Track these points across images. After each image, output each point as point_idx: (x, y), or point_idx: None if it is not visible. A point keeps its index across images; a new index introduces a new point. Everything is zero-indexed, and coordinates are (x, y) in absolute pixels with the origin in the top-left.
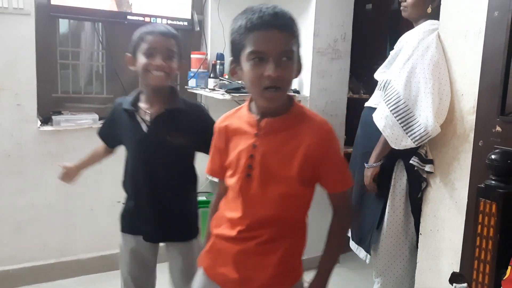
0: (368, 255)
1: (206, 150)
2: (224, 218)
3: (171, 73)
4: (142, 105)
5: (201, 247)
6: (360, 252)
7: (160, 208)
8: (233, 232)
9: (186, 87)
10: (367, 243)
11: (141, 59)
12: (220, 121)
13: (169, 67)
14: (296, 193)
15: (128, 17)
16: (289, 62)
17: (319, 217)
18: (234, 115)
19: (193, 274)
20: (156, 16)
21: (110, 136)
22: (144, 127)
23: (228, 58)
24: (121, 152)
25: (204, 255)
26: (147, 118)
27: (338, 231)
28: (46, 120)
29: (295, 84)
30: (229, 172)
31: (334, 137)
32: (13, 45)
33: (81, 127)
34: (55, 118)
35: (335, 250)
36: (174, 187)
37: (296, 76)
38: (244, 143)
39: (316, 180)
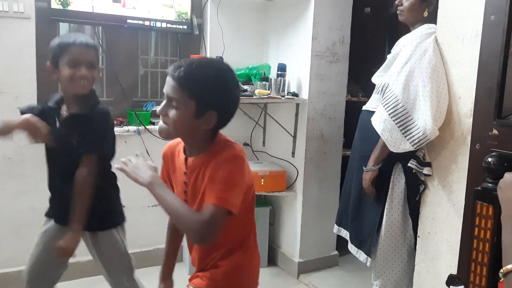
0: (369, 258)
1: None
2: None
3: (93, 82)
4: (64, 106)
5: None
6: (361, 255)
7: (68, 199)
8: None
9: None
10: (367, 246)
11: (65, 70)
12: (165, 148)
13: (92, 76)
14: None
15: (128, 21)
16: None
17: (318, 220)
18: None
19: (110, 262)
20: (155, 20)
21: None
22: (58, 125)
23: (227, 61)
24: (120, 155)
25: None
26: (62, 117)
27: None
28: None
29: (293, 86)
30: None
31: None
32: (13, 49)
33: None
34: None
35: None
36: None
37: None
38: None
39: None
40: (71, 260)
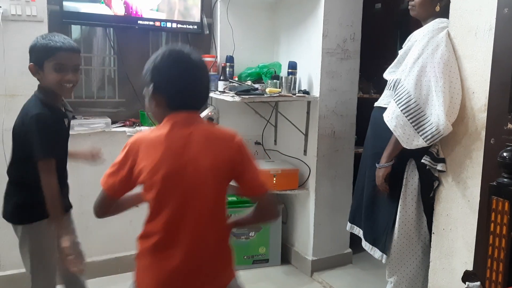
0: (384, 255)
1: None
2: None
3: (77, 84)
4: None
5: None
6: (375, 252)
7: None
8: None
9: None
10: (382, 243)
11: (53, 74)
12: None
13: (76, 80)
14: None
15: (139, 22)
16: None
17: (331, 217)
18: None
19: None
20: (166, 20)
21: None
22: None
23: (237, 60)
24: None
25: None
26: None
27: None
28: None
29: (304, 84)
30: None
31: None
32: (27, 52)
33: (94, 131)
34: None
35: None
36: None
37: None
38: None
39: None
40: (86, 259)
